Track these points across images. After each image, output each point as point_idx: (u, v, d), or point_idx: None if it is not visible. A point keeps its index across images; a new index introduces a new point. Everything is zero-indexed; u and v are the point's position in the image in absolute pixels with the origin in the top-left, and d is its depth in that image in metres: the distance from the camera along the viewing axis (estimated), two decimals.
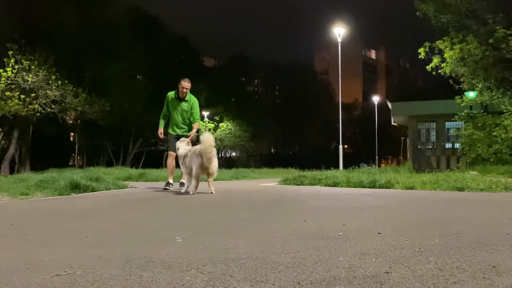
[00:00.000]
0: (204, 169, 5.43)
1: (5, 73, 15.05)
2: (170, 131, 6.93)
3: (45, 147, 27.51)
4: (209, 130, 37.94)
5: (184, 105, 6.78)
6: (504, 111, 13.69)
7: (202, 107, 39.54)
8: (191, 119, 6.84)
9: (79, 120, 26.62)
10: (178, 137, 6.62)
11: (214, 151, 5.41)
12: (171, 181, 6.75)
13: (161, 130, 7.02)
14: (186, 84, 6.72)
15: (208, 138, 5.37)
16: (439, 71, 13.44)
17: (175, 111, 6.81)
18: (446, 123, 24.55)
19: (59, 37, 20.57)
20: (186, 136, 6.58)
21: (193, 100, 6.84)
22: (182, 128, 6.83)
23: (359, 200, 4.64)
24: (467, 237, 2.17)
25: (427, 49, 13.34)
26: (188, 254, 1.83)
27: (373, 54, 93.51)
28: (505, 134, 13.54)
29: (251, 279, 1.44)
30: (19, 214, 3.69)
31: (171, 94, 6.89)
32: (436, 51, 13.15)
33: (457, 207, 3.89)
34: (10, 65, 15.10)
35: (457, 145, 20.79)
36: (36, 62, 16.02)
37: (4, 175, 12.90)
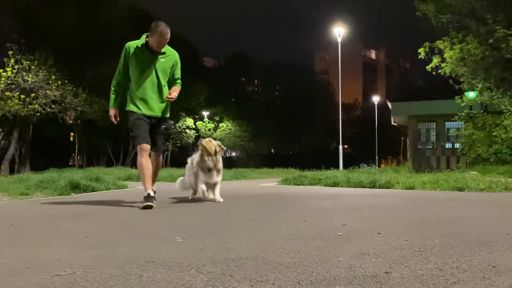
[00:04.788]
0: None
1: (5, 73, 15.06)
2: (132, 108, 4.14)
3: (45, 147, 27.53)
4: (209, 130, 38.06)
5: (161, 61, 4.16)
6: (504, 111, 13.71)
7: (202, 107, 39.35)
8: (171, 83, 4.29)
9: (79, 120, 26.64)
10: (150, 119, 4.15)
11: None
12: (151, 192, 4.04)
13: (115, 111, 4.27)
14: (167, 30, 4.05)
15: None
16: (439, 71, 13.45)
17: (145, 73, 4.12)
18: (446, 123, 24.57)
19: (59, 37, 20.58)
20: (163, 118, 4.24)
21: (174, 54, 4.28)
22: (155, 101, 4.17)
23: (359, 200, 4.64)
24: (467, 237, 2.17)
25: (427, 49, 13.35)
26: (188, 254, 1.83)
27: (373, 54, 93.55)
28: (505, 134, 13.57)
29: (251, 279, 1.44)
30: (19, 214, 3.69)
31: (132, 45, 4.15)
32: (436, 51, 13.16)
33: (457, 207, 3.89)
34: (10, 65, 15.11)
35: (457, 145, 20.82)
36: (36, 62, 16.03)
37: (4, 175, 12.91)
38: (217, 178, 4.36)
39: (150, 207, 3.81)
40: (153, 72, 4.13)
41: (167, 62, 4.20)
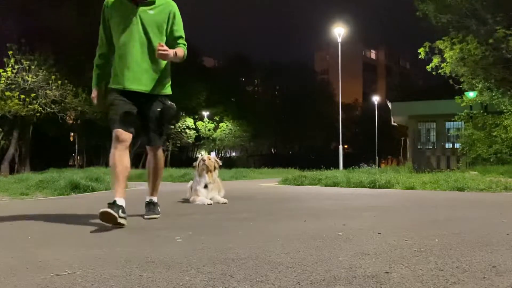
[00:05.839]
0: None
1: (5, 73, 15.07)
2: (112, 84, 3.01)
3: (45, 147, 27.53)
4: (209, 130, 38.06)
5: (150, 13, 2.96)
6: (504, 111, 13.70)
7: (202, 107, 39.27)
8: (171, 44, 3.01)
9: (79, 120, 26.65)
10: (137, 96, 2.94)
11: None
12: (119, 200, 2.70)
13: (100, 91, 3.17)
14: None
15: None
16: (439, 71, 13.46)
17: (129, 31, 2.93)
18: (446, 123, 24.54)
19: (59, 37, 20.59)
20: (157, 95, 3.01)
21: (168, 2, 3.05)
22: (145, 70, 2.95)
23: (359, 200, 4.64)
24: (467, 237, 2.17)
25: (427, 49, 13.36)
26: (188, 254, 1.83)
27: (373, 54, 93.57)
28: (505, 134, 13.56)
29: (251, 279, 1.44)
30: (19, 214, 3.68)
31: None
32: (436, 51, 13.17)
33: (457, 207, 3.89)
34: (10, 65, 15.11)
35: (457, 145, 20.81)
36: (36, 62, 16.04)
37: (4, 175, 12.91)
38: (216, 191, 4.51)
39: (107, 218, 2.56)
40: (140, 28, 2.93)
41: (159, 14, 2.98)
